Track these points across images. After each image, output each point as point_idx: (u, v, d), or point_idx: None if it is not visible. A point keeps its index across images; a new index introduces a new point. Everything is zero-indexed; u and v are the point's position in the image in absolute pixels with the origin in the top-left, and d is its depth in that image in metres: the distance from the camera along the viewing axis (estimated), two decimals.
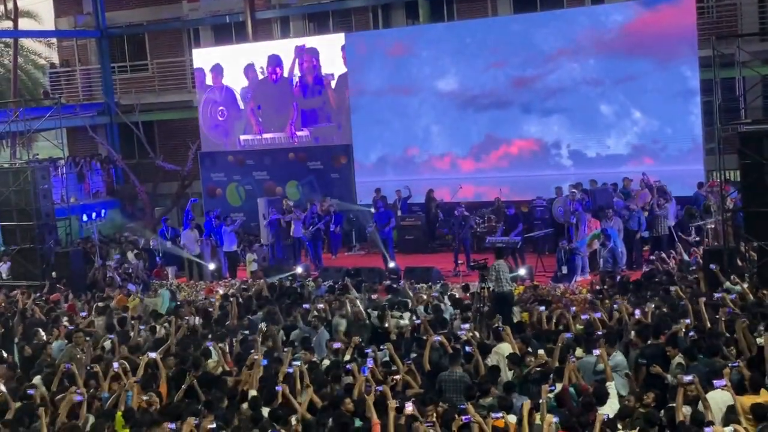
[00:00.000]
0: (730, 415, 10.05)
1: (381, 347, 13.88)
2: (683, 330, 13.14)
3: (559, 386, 11.40)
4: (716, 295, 15.19)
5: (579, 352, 12.86)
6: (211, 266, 24.80)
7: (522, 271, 21.38)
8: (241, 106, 31.47)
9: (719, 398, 10.51)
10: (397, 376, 12.46)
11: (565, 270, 21.35)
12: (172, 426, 10.64)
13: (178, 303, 19.51)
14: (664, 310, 14.65)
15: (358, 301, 16.93)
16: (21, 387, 13.02)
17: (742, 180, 17.93)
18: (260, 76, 30.98)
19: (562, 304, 17.05)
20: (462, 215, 24.23)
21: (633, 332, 13.34)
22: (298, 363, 12.84)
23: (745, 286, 15.93)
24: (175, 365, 13.51)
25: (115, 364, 13.21)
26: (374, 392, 11.31)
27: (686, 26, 24.67)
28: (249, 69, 31.08)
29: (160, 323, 16.92)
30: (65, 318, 18.07)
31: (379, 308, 16.62)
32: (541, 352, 12.54)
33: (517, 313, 16.56)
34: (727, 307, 14.21)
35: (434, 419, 10.68)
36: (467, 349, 13.14)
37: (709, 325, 13.44)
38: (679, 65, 24.86)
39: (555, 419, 10.19)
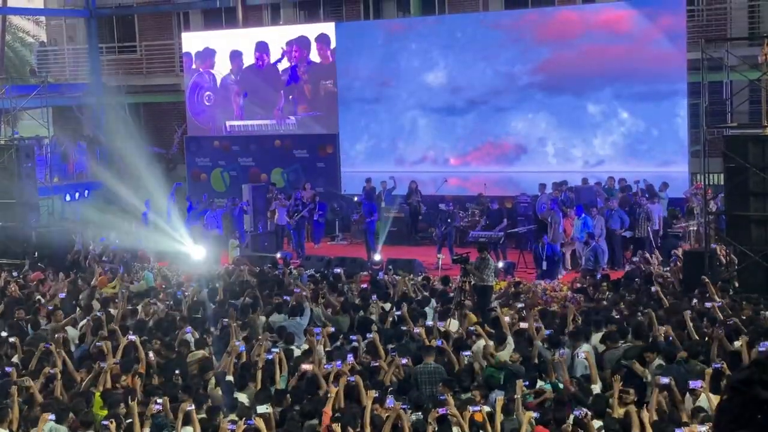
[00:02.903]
0: (701, 415, 10.08)
1: (366, 336, 13.91)
2: (662, 334, 13.23)
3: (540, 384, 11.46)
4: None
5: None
6: (199, 254, 24.44)
7: (500, 264, 21.41)
8: (228, 91, 31.38)
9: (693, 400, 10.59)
10: (375, 363, 12.49)
11: (545, 266, 21.41)
12: (158, 407, 10.71)
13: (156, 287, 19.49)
14: (658, 313, 14.60)
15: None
16: None
17: (725, 183, 18.04)
18: (248, 63, 30.91)
19: (543, 301, 17.15)
20: (449, 211, 24.26)
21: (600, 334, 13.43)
22: (276, 350, 12.88)
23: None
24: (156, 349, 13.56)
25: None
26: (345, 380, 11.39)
27: (676, 28, 24.75)
28: (237, 55, 31.00)
29: (143, 305, 16.91)
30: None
31: (363, 298, 16.67)
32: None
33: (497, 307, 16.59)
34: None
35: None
36: (439, 342, 13.18)
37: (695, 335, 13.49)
38: (668, 67, 24.93)
39: (535, 415, 10.27)
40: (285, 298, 16.77)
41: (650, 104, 25.35)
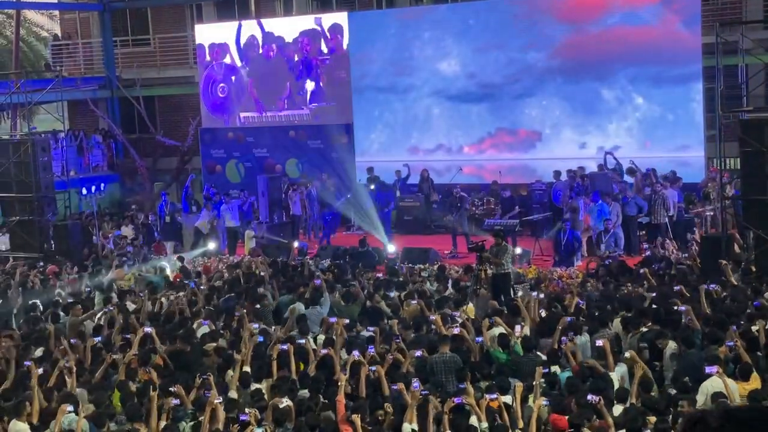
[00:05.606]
0: (719, 401, 10.05)
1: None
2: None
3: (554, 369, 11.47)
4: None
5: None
6: (212, 245, 24.55)
7: (518, 251, 21.37)
8: (242, 83, 31.38)
9: (710, 386, 10.56)
10: (390, 356, 12.49)
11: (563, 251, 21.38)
12: (176, 401, 10.77)
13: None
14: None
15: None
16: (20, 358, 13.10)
17: (742, 168, 17.96)
18: (261, 54, 30.88)
19: (559, 288, 17.13)
20: (459, 196, 24.22)
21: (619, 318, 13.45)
22: (303, 341, 12.94)
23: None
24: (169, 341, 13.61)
25: None
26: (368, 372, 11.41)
27: (690, 12, 24.60)
28: (250, 46, 30.98)
29: (159, 296, 16.98)
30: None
31: (376, 287, 16.68)
32: None
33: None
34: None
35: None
36: (455, 330, 13.18)
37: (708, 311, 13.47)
38: (683, 51, 24.77)
39: (545, 402, 10.27)
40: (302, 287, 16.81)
41: (665, 89, 25.21)
